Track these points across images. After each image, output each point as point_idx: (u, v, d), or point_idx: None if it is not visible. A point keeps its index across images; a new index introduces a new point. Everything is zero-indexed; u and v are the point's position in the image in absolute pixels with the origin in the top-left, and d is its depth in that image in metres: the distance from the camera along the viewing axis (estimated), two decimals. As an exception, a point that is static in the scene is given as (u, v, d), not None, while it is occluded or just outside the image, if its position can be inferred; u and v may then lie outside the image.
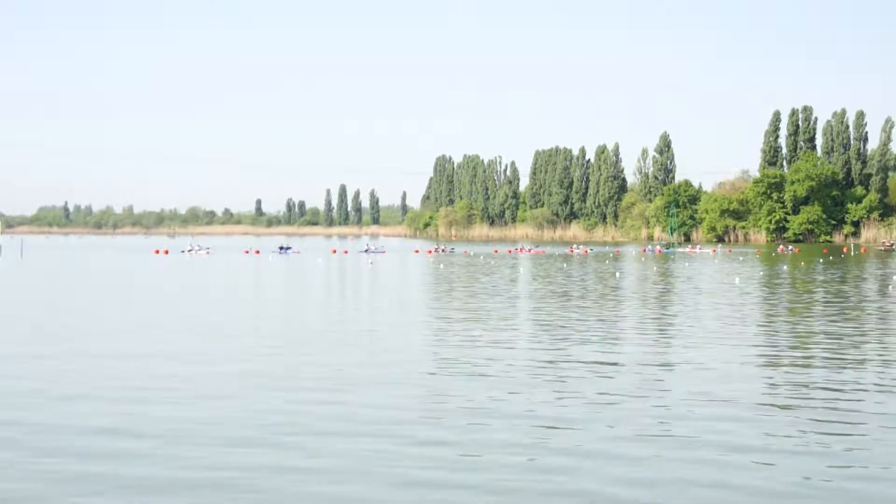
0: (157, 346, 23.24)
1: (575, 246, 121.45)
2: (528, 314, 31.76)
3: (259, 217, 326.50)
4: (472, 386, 17.39)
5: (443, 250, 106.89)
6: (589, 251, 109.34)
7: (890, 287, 45.78)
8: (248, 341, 24.46)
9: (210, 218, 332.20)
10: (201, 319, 30.31)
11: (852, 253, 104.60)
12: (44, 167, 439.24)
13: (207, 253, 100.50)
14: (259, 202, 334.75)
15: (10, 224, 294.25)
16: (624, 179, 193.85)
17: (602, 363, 20.24)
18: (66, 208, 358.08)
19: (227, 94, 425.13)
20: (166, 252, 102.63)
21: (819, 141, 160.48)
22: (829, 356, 21.24)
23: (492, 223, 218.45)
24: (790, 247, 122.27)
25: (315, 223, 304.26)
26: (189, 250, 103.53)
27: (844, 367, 19.56)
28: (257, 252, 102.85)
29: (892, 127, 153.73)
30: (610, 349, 22.64)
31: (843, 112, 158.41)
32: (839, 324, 28.19)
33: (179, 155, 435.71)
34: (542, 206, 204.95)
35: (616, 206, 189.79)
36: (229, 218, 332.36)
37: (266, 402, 15.88)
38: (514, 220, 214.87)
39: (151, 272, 61.46)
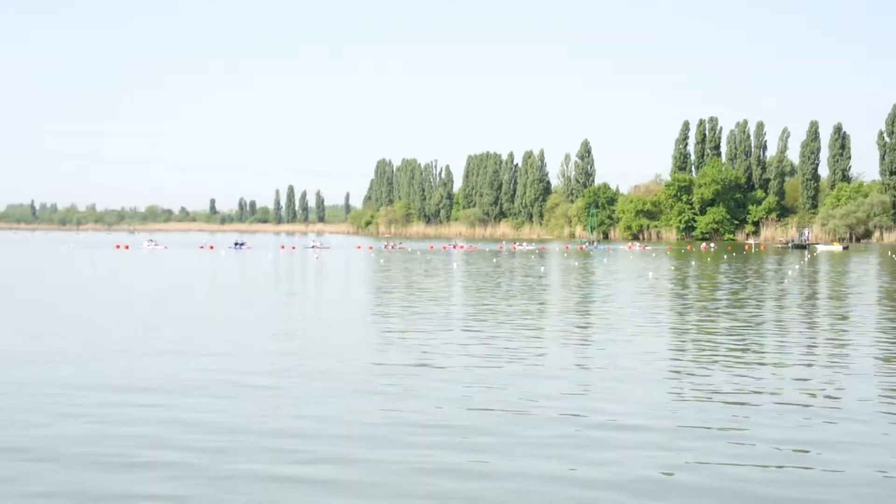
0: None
1: (518, 243, 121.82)
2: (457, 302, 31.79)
3: (213, 215, 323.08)
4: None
5: (392, 246, 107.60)
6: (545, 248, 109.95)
7: (785, 280, 46.57)
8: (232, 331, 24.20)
9: (167, 216, 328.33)
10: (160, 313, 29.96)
11: (753, 250, 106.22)
12: (9, 167, 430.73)
13: (165, 248, 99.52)
14: (213, 201, 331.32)
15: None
16: (549, 182, 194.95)
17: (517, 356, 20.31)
18: (32, 206, 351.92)
19: (183, 99, 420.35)
20: (126, 247, 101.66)
21: (724, 148, 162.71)
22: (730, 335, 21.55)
23: (428, 222, 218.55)
24: (712, 245, 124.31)
25: (265, 221, 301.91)
26: (148, 246, 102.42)
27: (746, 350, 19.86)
28: (211, 247, 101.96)
29: (788, 136, 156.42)
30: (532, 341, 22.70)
31: (745, 122, 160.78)
32: (746, 311, 28.59)
33: (138, 156, 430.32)
34: (474, 206, 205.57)
35: (541, 206, 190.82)
36: (185, 216, 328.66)
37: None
38: (448, 218, 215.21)
39: (118, 269, 60.37)
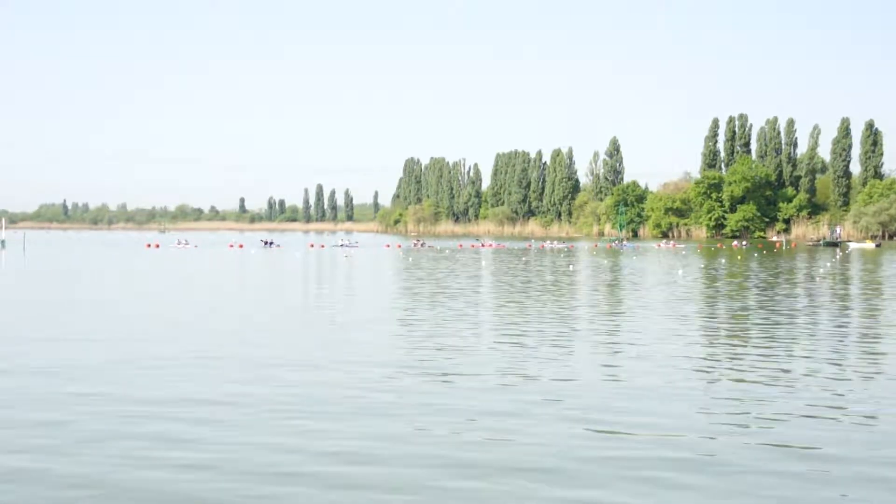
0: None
1: (546, 242, 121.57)
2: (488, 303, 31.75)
3: (242, 214, 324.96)
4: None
5: (421, 245, 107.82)
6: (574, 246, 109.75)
7: (817, 278, 46.22)
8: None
9: (197, 215, 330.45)
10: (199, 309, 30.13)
11: (784, 248, 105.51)
12: (42, 167, 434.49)
13: (195, 247, 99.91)
14: (242, 200, 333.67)
15: (14, 220, 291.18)
16: (577, 180, 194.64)
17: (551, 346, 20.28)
18: (64, 205, 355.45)
19: (214, 100, 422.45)
20: (157, 246, 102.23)
21: (754, 146, 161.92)
22: (762, 334, 21.40)
23: (456, 220, 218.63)
24: (744, 242, 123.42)
25: (294, 220, 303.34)
26: (178, 245, 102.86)
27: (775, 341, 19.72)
28: (241, 246, 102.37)
29: (819, 133, 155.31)
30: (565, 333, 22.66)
31: (776, 119, 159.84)
32: (778, 311, 28.41)
33: (169, 156, 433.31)
34: (503, 204, 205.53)
35: (570, 204, 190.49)
36: (215, 215, 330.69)
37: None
38: (476, 217, 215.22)
39: (148, 270, 60.77)
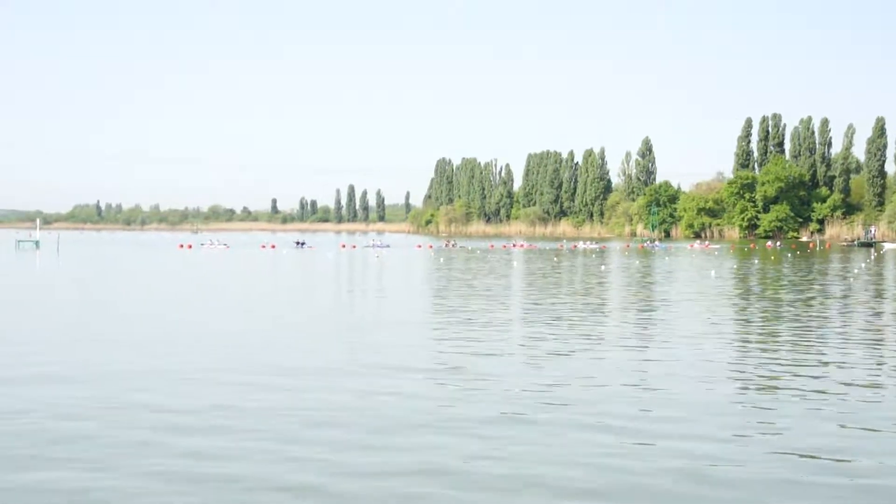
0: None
1: (578, 242, 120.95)
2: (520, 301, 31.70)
3: (274, 215, 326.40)
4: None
5: (452, 245, 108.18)
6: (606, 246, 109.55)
7: (851, 279, 45.85)
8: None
9: (230, 215, 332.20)
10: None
11: (818, 248, 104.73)
12: (78, 169, 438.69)
13: (227, 247, 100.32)
14: (274, 201, 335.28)
15: (48, 220, 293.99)
16: (609, 180, 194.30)
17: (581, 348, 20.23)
18: (98, 206, 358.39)
19: (246, 100, 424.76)
20: (189, 246, 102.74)
21: (787, 145, 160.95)
22: (795, 337, 21.24)
23: (488, 220, 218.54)
24: (778, 243, 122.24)
25: (326, 220, 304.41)
26: (209, 245, 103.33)
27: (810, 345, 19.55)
28: (273, 247, 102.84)
29: (853, 133, 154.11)
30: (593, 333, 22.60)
31: (810, 119, 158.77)
32: (812, 313, 28.19)
33: (202, 156, 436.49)
34: (535, 204, 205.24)
35: (602, 204, 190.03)
36: (247, 215, 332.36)
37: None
38: (508, 217, 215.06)
39: (180, 271, 61.14)
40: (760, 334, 22.66)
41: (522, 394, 14.61)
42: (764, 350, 19.71)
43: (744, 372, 16.79)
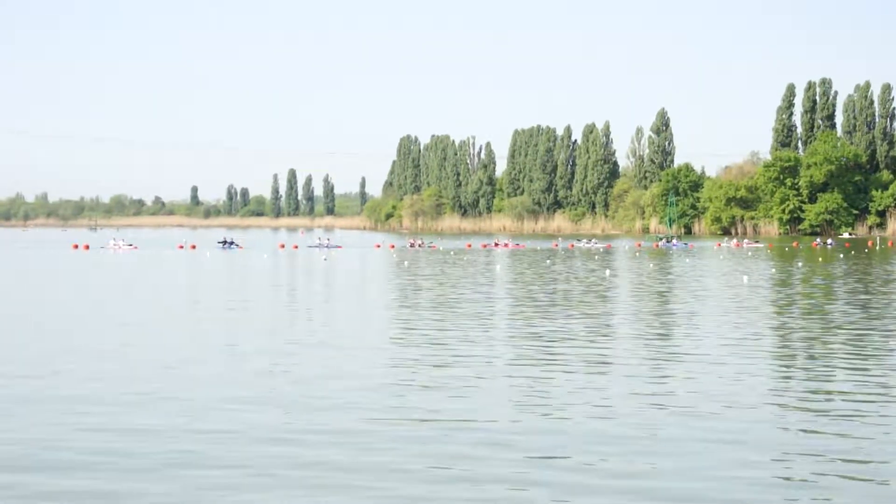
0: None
1: (577, 241, 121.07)
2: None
3: (195, 207, 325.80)
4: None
5: (420, 245, 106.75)
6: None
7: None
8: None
9: (138, 208, 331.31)
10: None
11: (878, 247, 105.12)
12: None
13: (134, 248, 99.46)
14: (195, 189, 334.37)
15: None
16: (616, 163, 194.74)
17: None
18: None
19: (159, 66, 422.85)
20: (86, 247, 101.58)
21: (839, 119, 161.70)
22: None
23: (464, 213, 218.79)
24: (829, 242, 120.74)
25: (260, 214, 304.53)
26: (112, 245, 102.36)
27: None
28: (193, 247, 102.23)
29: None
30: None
31: (868, 85, 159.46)
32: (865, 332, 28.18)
33: (102, 135, 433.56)
34: (522, 193, 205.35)
35: (607, 193, 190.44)
36: (161, 208, 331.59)
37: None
38: (489, 210, 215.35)
39: (76, 280, 60.62)
40: (803, 357, 22.61)
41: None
42: (806, 378, 19.65)
43: (784, 404, 16.71)
